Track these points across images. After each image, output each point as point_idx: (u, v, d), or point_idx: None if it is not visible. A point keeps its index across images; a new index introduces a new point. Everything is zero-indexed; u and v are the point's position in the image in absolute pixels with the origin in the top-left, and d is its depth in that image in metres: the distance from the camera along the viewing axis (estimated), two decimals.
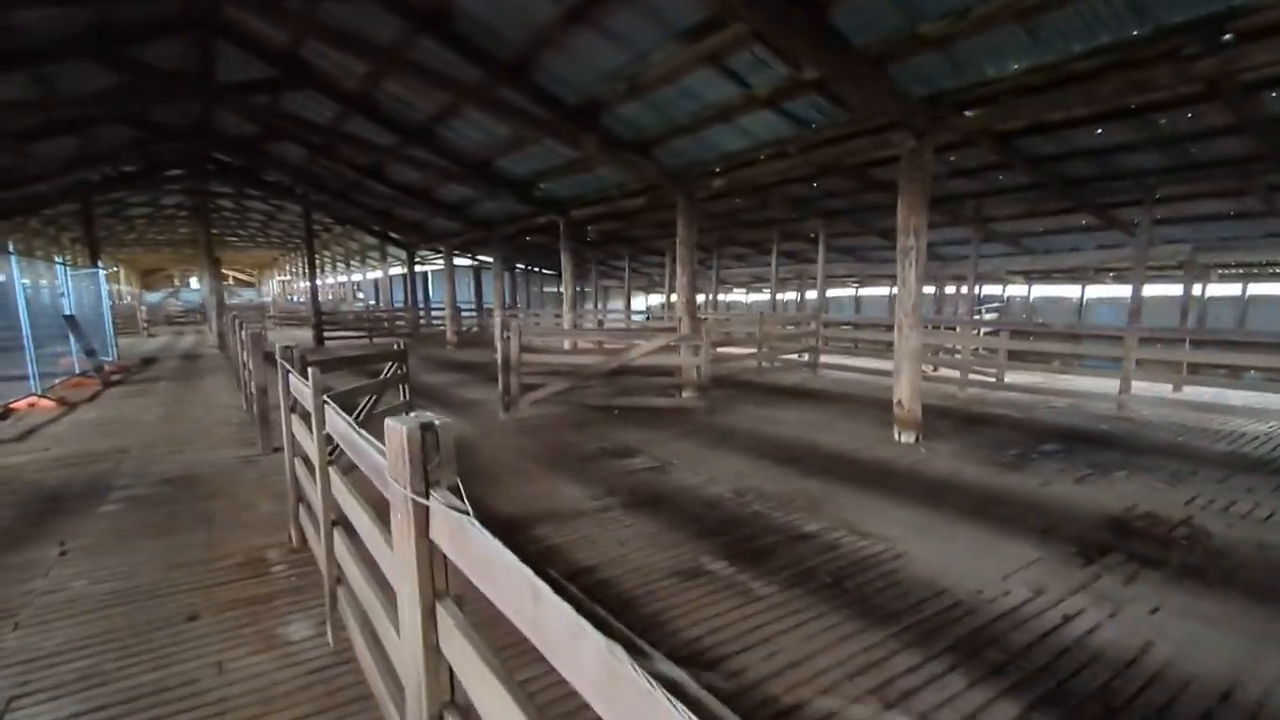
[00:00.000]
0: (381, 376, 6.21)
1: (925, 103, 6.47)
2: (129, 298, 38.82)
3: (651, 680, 0.74)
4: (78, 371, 11.81)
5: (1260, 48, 4.66)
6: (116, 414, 8.75)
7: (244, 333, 7.64)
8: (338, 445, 2.71)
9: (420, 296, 28.84)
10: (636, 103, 8.31)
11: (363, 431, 2.05)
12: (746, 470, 5.81)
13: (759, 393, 10.14)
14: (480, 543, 1.22)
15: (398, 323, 23.97)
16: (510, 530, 4.30)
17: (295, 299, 43.69)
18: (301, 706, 2.54)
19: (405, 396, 6.47)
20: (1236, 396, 8.58)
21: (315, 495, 3.08)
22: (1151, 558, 3.88)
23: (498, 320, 8.77)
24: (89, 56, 8.76)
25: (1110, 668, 2.79)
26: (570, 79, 8.22)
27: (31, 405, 9.07)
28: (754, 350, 12.39)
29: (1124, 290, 18.17)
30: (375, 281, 37.91)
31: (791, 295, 25.87)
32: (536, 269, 31.37)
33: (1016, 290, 21.87)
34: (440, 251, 22.17)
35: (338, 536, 2.81)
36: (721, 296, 26.57)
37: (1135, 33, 4.98)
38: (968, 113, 6.55)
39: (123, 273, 44.97)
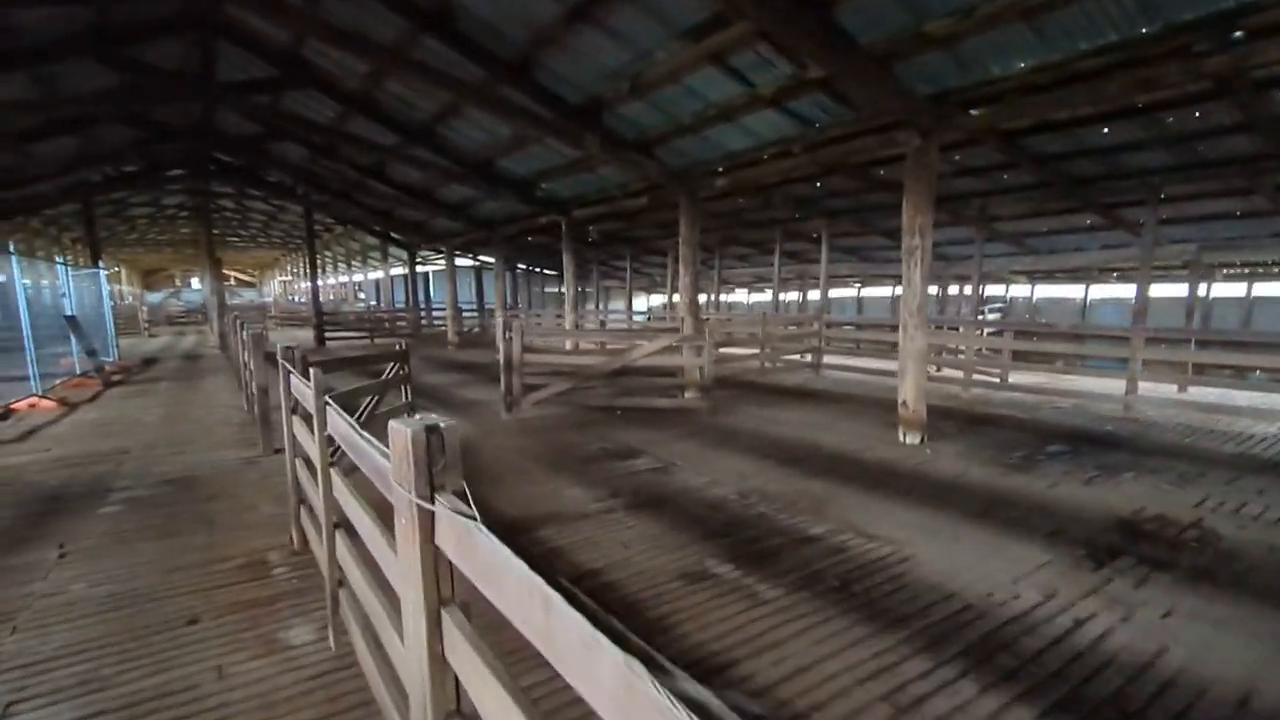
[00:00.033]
0: (383, 377, 6.18)
1: (930, 101, 6.43)
2: (130, 298, 38.83)
3: (674, 699, 0.70)
4: (78, 372, 11.78)
5: (1272, 44, 4.61)
6: (117, 414, 8.72)
7: (245, 333, 7.61)
8: (339, 446, 2.67)
9: (421, 297, 28.84)
10: (639, 102, 8.27)
11: (365, 434, 2.02)
12: (750, 471, 5.77)
13: (762, 393, 10.10)
14: (488, 549, 1.18)
15: (399, 323, 23.94)
16: (513, 532, 4.26)
17: (296, 299, 43.70)
18: (303, 713, 2.50)
19: (407, 397, 6.43)
20: (1242, 397, 8.53)
21: (317, 497, 3.04)
22: (1162, 561, 3.83)
23: (499, 321, 8.73)
24: (89, 56, 8.74)
25: (1124, 673, 2.74)
26: (572, 78, 8.18)
27: (32, 406, 9.04)
28: (756, 351, 12.35)
29: (1128, 290, 18.10)
30: (376, 282, 37.89)
31: (793, 295, 25.82)
32: (538, 269, 31.33)
33: (1019, 290, 21.79)
34: (441, 252, 22.14)
35: (339, 539, 2.77)
36: (723, 297, 26.50)
37: (1144, 30, 4.93)
38: (973, 111, 6.50)
39: (124, 273, 45.01)
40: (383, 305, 33.82)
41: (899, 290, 6.95)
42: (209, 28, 9.61)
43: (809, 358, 12.29)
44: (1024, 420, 7.91)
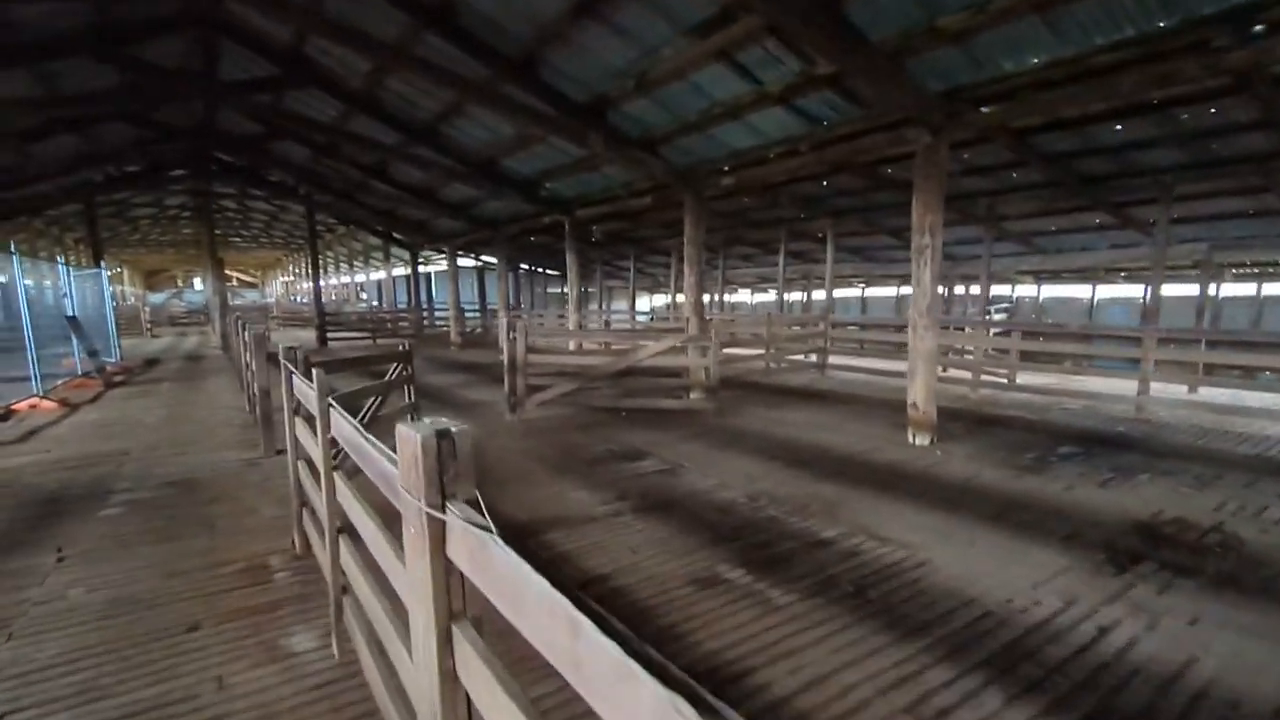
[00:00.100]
0: (387, 378, 6.10)
1: (941, 98, 6.34)
2: (133, 298, 38.84)
3: None
4: (80, 373, 11.74)
5: None
6: (118, 415, 8.66)
7: (247, 333, 7.54)
8: (342, 449, 2.59)
9: (424, 297, 28.78)
10: (644, 100, 8.19)
11: (371, 437, 1.94)
12: (758, 473, 5.68)
13: (767, 394, 10.01)
14: (505, 563, 1.10)
15: (401, 324, 23.89)
16: (520, 536, 4.18)
17: (298, 300, 43.68)
18: None
19: (411, 398, 6.36)
20: (1254, 398, 8.42)
21: (319, 501, 2.96)
22: (1185, 566, 3.74)
23: (502, 321, 8.66)
24: (90, 54, 8.69)
25: (1153, 684, 2.65)
26: (577, 75, 8.11)
27: (33, 407, 8.98)
28: (761, 351, 12.26)
29: (1135, 290, 17.99)
30: (379, 282, 37.87)
31: (797, 296, 25.73)
32: (540, 269, 31.28)
33: (1025, 290, 21.67)
34: (444, 252, 22.08)
35: (343, 544, 2.70)
36: (726, 297, 26.42)
37: (1161, 25, 4.84)
38: (984, 108, 6.41)
39: (126, 273, 45.05)
40: (385, 306, 33.79)
41: (904, 290, 6.89)
42: (210, 25, 9.56)
43: (814, 358, 12.20)
44: (1034, 421, 7.80)
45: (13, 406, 8.76)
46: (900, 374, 10.24)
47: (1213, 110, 7.16)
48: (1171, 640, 2.96)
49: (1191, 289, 13.82)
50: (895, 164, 9.94)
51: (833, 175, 11.16)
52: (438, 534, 1.34)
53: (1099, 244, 13.90)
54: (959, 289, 20.44)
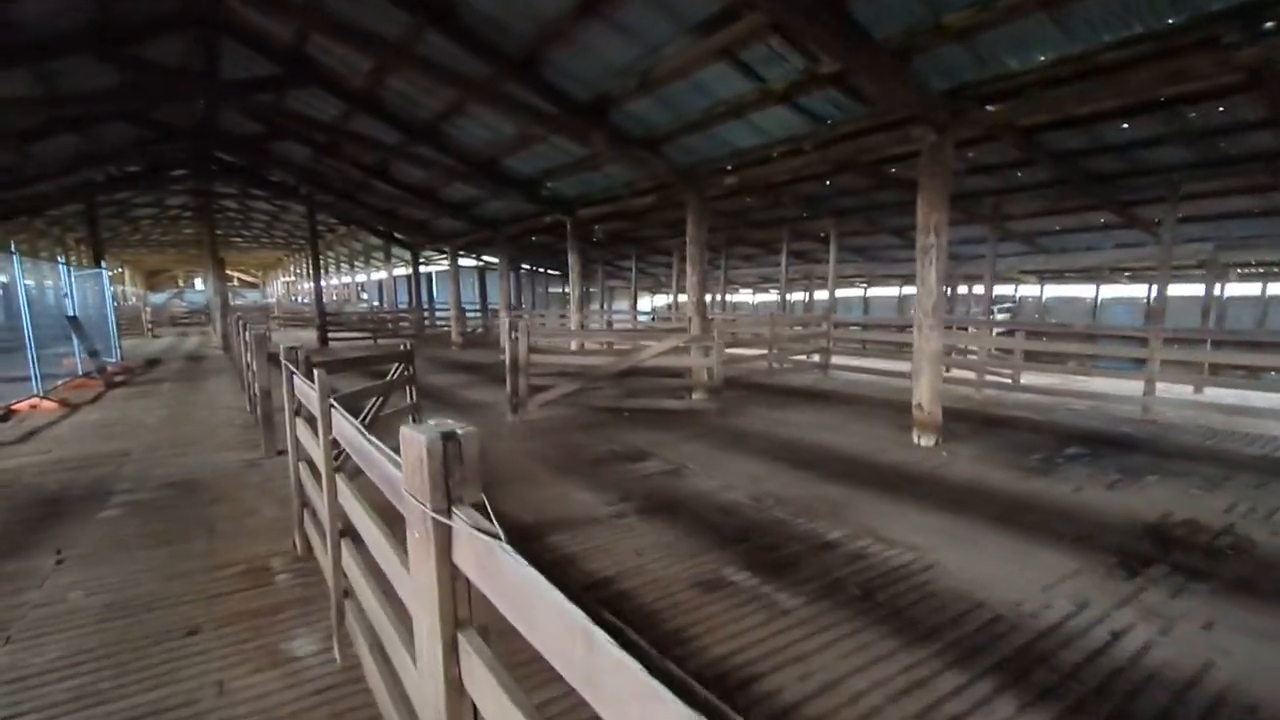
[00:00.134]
0: (388, 378, 6.06)
1: (946, 96, 6.29)
2: (134, 298, 38.84)
3: None
4: (81, 373, 11.71)
5: None
6: (119, 416, 8.62)
7: (248, 334, 7.51)
8: (344, 450, 2.55)
9: (425, 297, 28.75)
10: (647, 98, 8.15)
11: (373, 439, 1.89)
12: (762, 474, 5.64)
13: (770, 394, 9.96)
14: (514, 571, 1.06)
15: (402, 324, 23.86)
16: (524, 538, 4.14)
17: (299, 300, 43.68)
18: None
19: (412, 399, 6.32)
20: (1261, 398, 8.35)
21: (321, 503, 2.92)
22: (1197, 569, 3.69)
23: (504, 321, 8.62)
24: (91, 53, 8.65)
25: (1169, 690, 2.61)
26: (579, 74, 8.06)
27: (34, 407, 8.95)
28: (763, 351, 12.21)
29: (1139, 290, 17.92)
30: (379, 283, 37.86)
31: (799, 296, 25.68)
32: (541, 270, 31.25)
33: (1028, 290, 21.61)
34: (445, 252, 22.05)
35: (345, 547, 2.66)
36: (727, 297, 26.38)
37: (1171, 21, 4.79)
38: (990, 107, 6.37)
39: (128, 273, 45.06)
40: (386, 306, 33.77)
41: (906, 290, 6.85)
42: (211, 24, 9.52)
43: (816, 358, 12.15)
44: (1039, 422, 7.75)
45: (13, 407, 8.73)
46: (903, 374, 10.21)
47: (1221, 108, 7.11)
48: (1187, 645, 2.92)
49: (1195, 289, 13.74)
50: (899, 163, 9.89)
51: (836, 174, 11.12)
52: (443, 540, 1.30)
53: (1104, 243, 13.84)
54: (961, 289, 20.39)
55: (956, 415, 7.81)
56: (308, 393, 3.02)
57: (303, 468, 3.62)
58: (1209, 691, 2.60)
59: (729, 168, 9.43)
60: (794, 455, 6.27)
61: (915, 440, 6.73)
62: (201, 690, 2.62)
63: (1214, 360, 9.32)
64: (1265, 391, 8.60)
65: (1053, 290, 20.85)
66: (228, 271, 24.90)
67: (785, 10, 5.20)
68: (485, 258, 26.82)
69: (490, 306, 26.62)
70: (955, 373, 10.86)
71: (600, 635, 0.83)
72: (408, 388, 6.32)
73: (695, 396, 8.74)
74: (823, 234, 15.75)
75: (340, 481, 2.57)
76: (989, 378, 9.73)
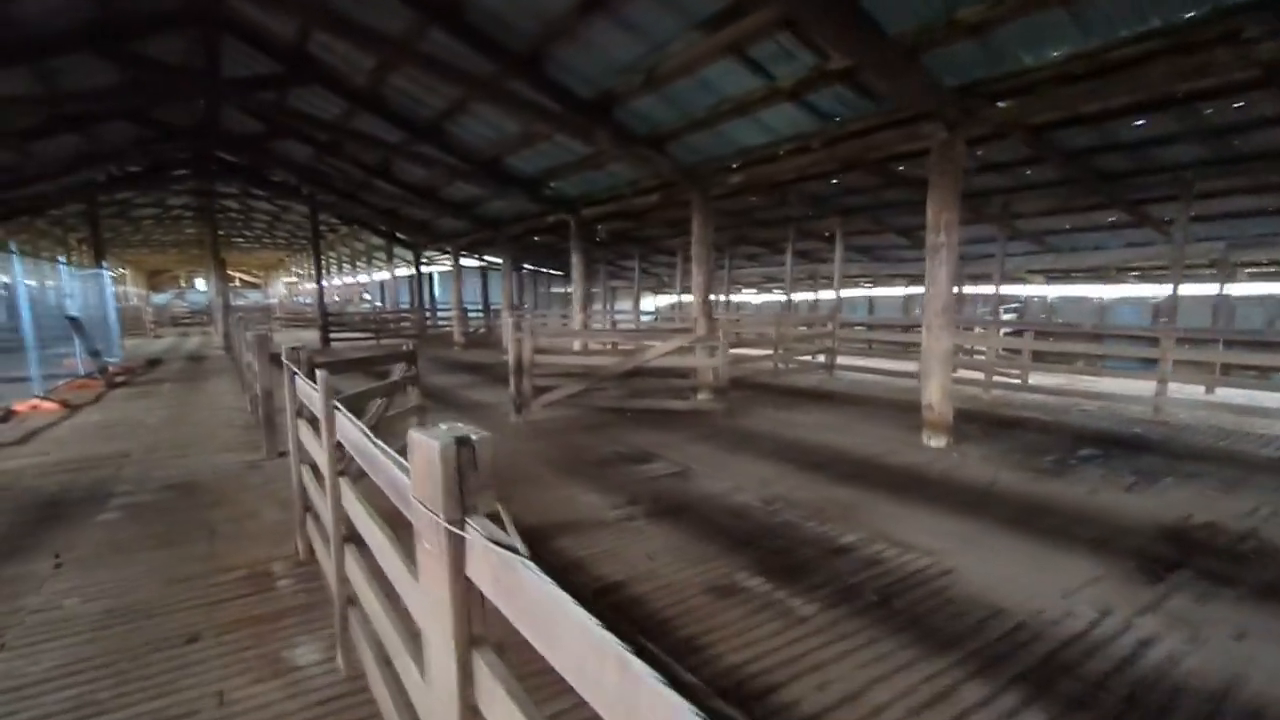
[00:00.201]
0: (392, 379, 5.97)
1: (956, 93, 6.20)
2: (135, 299, 38.83)
3: None
4: (81, 373, 11.65)
5: None
6: (120, 417, 8.56)
7: (249, 334, 7.44)
8: (348, 453, 2.47)
9: (427, 297, 28.68)
10: (651, 96, 8.06)
11: (379, 442, 1.81)
12: (771, 476, 5.55)
13: (776, 395, 9.88)
14: (536, 589, 0.97)
15: (404, 324, 23.80)
16: (531, 542, 4.02)
17: (301, 300, 43.65)
18: None
19: (416, 400, 6.23)
20: (1273, 399, 8.25)
21: (324, 507, 2.84)
22: (1223, 574, 3.59)
23: (506, 321, 8.53)
24: (92, 50, 8.58)
25: (1200, 701, 2.52)
26: (584, 71, 7.98)
27: (34, 408, 8.88)
28: (768, 351, 12.12)
29: (1147, 290, 17.79)
30: (381, 283, 37.78)
31: (804, 296, 25.56)
32: (543, 270, 31.16)
33: (1035, 290, 21.47)
34: (447, 252, 21.99)
35: (349, 553, 2.57)
36: (731, 297, 26.27)
37: (1190, 15, 4.70)
38: (1001, 104, 6.28)
39: (129, 274, 45.06)
40: (388, 306, 33.72)
41: (912, 290, 6.75)
42: (212, 22, 9.46)
43: (822, 359, 12.06)
44: (1049, 423, 7.66)
45: (14, 408, 8.66)
46: (909, 374, 10.13)
47: (1236, 105, 7.00)
48: (1216, 654, 2.82)
49: (1204, 288, 13.62)
50: (907, 161, 9.79)
51: (843, 173, 11.01)
52: (457, 552, 1.22)
53: (1112, 243, 13.72)
54: (968, 288, 20.27)
55: (967, 416, 7.72)
56: (310, 394, 2.94)
57: (305, 470, 3.54)
58: (1242, 702, 2.50)
59: (734, 166, 9.34)
60: (802, 457, 6.18)
61: (925, 441, 6.64)
62: (202, 700, 2.54)
63: (1226, 360, 9.20)
64: (1275, 392, 8.50)
65: (1059, 290, 20.73)
66: (229, 272, 24.87)
67: (799, 3, 5.11)
68: (487, 258, 26.75)
69: (493, 307, 26.55)
70: (962, 373, 10.76)
71: (638, 664, 0.75)
72: (411, 388, 6.24)
73: (700, 397, 8.65)
74: (828, 233, 15.65)
75: (345, 485, 2.49)
76: (997, 378, 9.64)
